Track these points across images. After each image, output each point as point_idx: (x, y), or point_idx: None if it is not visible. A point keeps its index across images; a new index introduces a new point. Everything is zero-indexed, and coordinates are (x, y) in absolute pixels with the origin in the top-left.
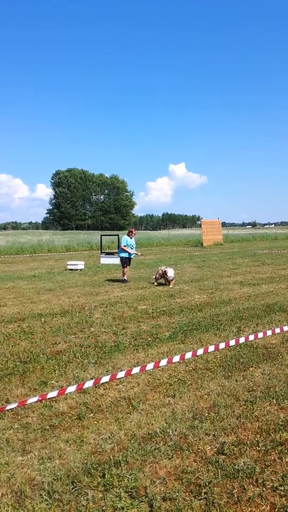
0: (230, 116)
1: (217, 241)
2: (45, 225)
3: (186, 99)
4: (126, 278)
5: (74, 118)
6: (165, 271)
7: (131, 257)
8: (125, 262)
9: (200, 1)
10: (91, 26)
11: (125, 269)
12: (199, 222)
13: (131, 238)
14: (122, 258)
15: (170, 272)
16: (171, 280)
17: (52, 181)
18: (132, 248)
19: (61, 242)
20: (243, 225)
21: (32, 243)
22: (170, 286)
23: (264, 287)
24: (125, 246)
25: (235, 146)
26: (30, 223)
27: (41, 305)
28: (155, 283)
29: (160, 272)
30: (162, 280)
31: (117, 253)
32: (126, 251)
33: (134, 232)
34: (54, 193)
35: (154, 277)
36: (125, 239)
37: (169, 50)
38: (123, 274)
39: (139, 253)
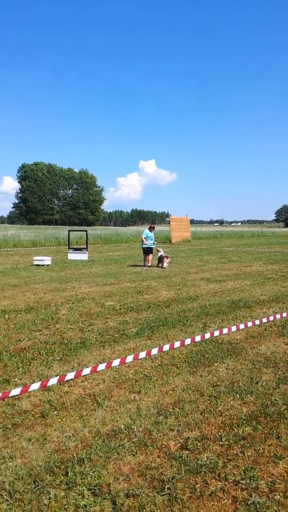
0: (200, 116)
1: (185, 238)
2: (11, 219)
3: (157, 96)
4: (150, 265)
5: (43, 111)
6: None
7: (151, 246)
8: (147, 251)
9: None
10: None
11: (149, 257)
12: (168, 219)
13: (151, 232)
14: (144, 249)
15: (161, 251)
16: (165, 258)
17: (18, 174)
18: (152, 240)
19: (28, 237)
20: (211, 222)
21: None
22: (165, 265)
23: (230, 284)
24: (145, 238)
25: (205, 145)
26: None
27: (5, 301)
28: (148, 265)
29: (160, 255)
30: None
31: (85, 248)
32: (145, 243)
33: (154, 227)
34: (20, 187)
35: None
36: (146, 232)
37: (140, 49)
38: (148, 261)
39: (156, 242)
